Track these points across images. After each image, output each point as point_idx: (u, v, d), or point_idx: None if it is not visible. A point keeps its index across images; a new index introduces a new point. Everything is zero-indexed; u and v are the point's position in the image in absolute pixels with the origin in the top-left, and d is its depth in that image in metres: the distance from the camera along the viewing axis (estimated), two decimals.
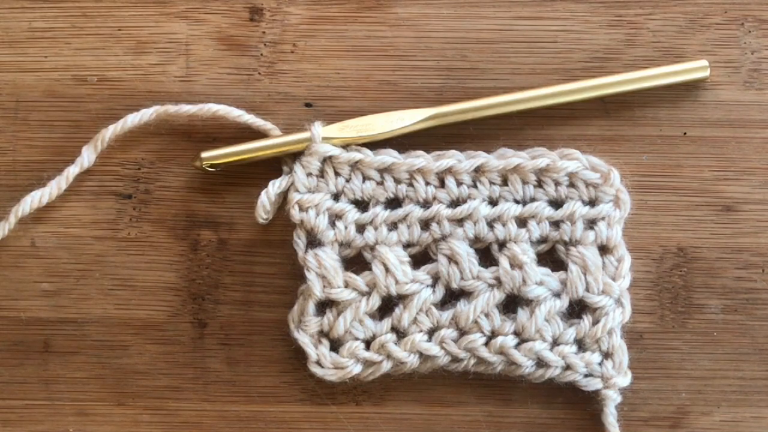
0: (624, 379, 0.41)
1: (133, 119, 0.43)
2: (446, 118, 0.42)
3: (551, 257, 0.42)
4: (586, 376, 0.41)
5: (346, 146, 0.42)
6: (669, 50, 0.44)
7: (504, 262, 0.41)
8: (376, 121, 0.42)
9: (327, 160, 0.42)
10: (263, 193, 0.42)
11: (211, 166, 0.43)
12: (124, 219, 0.44)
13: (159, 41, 0.45)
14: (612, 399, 0.41)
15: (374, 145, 0.43)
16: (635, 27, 0.44)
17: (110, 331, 0.44)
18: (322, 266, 0.41)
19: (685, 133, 0.44)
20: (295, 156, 0.43)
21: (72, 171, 0.43)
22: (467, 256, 0.42)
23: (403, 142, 0.43)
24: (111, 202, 0.44)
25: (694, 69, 0.43)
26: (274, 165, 0.43)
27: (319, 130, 0.42)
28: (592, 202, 0.42)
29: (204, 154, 0.42)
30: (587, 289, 0.41)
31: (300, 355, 0.43)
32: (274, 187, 0.42)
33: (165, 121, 0.44)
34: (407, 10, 0.44)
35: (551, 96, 0.42)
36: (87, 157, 0.43)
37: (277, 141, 0.43)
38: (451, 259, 0.42)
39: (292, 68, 0.44)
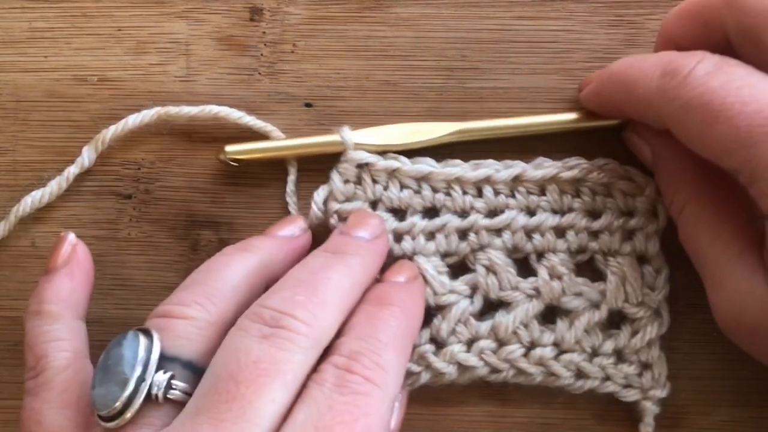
0: (662, 391, 0.41)
1: (134, 120, 0.43)
2: (472, 134, 0.42)
3: (589, 267, 0.42)
4: (624, 387, 0.41)
5: (382, 153, 0.42)
6: None
7: (543, 272, 0.41)
8: (402, 132, 0.42)
9: (364, 167, 0.42)
10: (314, 204, 0.42)
11: (234, 160, 0.42)
12: (124, 219, 0.44)
13: (159, 41, 0.45)
14: (650, 411, 0.41)
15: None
16: (635, 27, 0.44)
17: (110, 331, 0.44)
18: None
19: None
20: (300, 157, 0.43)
21: (72, 171, 0.43)
22: (505, 266, 0.41)
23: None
24: (111, 202, 0.44)
25: None
26: (275, 165, 0.43)
27: (349, 135, 0.42)
28: (629, 213, 0.42)
29: (228, 148, 0.42)
30: (626, 300, 0.41)
31: None
32: (320, 197, 0.42)
33: (165, 121, 0.44)
34: (407, 10, 0.44)
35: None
36: (87, 157, 0.43)
37: (303, 142, 0.43)
38: (490, 270, 0.41)
39: (292, 68, 0.44)
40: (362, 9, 0.44)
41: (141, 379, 0.34)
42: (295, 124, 0.44)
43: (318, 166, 0.43)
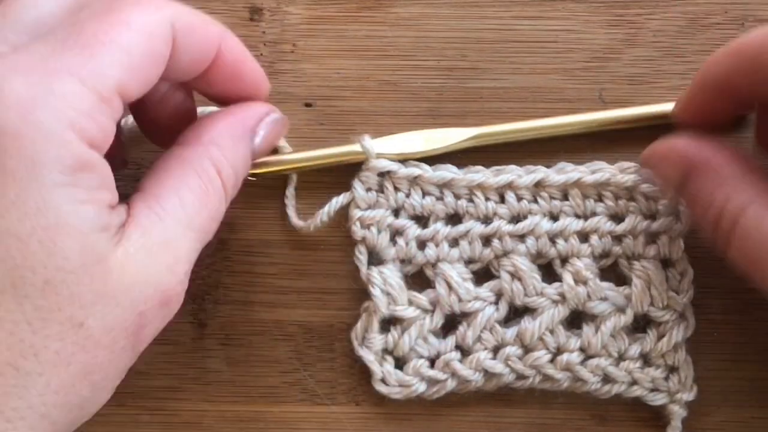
0: (690, 394, 0.41)
1: (134, 120, 0.43)
2: (489, 139, 0.42)
3: (613, 272, 0.42)
4: (651, 391, 0.41)
5: (402, 161, 0.42)
6: (669, 50, 0.44)
7: (568, 277, 0.41)
8: (419, 139, 0.42)
9: (385, 175, 0.42)
10: (324, 212, 0.42)
11: (252, 175, 0.42)
12: None
13: None
14: (678, 414, 0.41)
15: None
16: (635, 27, 0.44)
17: None
18: (388, 283, 0.41)
19: None
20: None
21: None
22: (530, 272, 0.41)
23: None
24: None
25: None
26: None
27: (370, 144, 0.42)
28: (652, 216, 0.42)
29: None
30: (651, 304, 0.41)
31: (300, 355, 0.43)
32: (337, 203, 0.42)
33: None
34: (407, 9, 0.44)
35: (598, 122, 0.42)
36: None
37: (322, 153, 0.42)
38: (514, 276, 0.41)
39: (292, 68, 0.44)
40: (362, 9, 0.44)
41: None
42: (295, 124, 0.44)
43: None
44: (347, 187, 0.43)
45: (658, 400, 0.41)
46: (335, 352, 0.43)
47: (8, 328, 0.29)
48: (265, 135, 0.39)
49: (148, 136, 0.41)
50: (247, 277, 0.44)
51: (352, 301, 0.43)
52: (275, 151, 0.43)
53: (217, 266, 0.44)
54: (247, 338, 0.44)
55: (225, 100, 0.39)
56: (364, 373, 0.43)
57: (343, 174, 0.43)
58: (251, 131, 0.38)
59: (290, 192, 0.43)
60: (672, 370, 0.41)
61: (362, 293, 0.43)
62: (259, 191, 0.44)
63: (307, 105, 0.44)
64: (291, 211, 0.43)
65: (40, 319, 0.29)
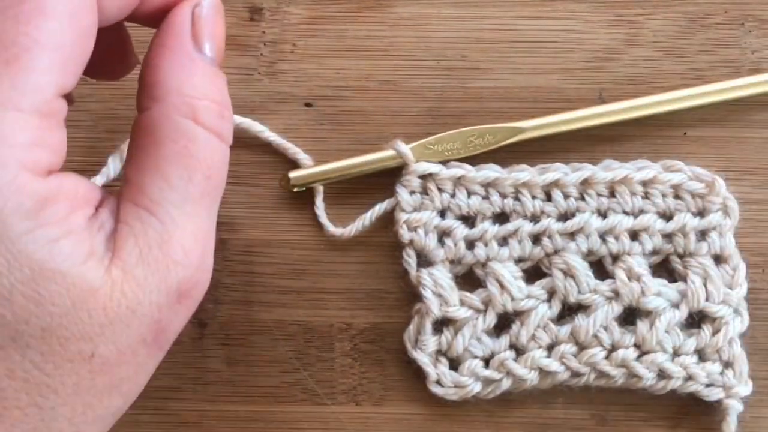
0: (745, 388, 0.41)
1: None
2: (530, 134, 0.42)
3: (665, 268, 0.42)
4: (707, 386, 0.41)
5: (444, 162, 0.42)
6: (669, 50, 0.44)
7: (621, 274, 0.41)
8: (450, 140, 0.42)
9: (428, 177, 0.42)
10: (366, 216, 0.42)
11: (294, 186, 0.42)
12: None
13: None
14: (734, 409, 0.41)
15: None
16: (635, 27, 0.44)
17: None
18: (438, 285, 0.41)
19: (685, 133, 0.44)
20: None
21: (98, 181, 0.42)
22: (583, 269, 0.41)
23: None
24: None
25: None
26: (274, 165, 0.43)
27: (405, 148, 0.42)
28: (701, 213, 0.42)
29: (292, 175, 0.42)
30: (707, 299, 0.41)
31: (300, 355, 0.43)
32: (380, 209, 0.42)
33: None
34: (407, 9, 0.44)
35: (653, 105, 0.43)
36: (113, 167, 0.42)
37: (362, 160, 0.42)
38: (567, 273, 0.41)
39: (292, 68, 0.44)
40: (362, 9, 0.45)
41: None
42: (295, 124, 0.44)
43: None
44: (346, 190, 0.43)
45: (714, 395, 0.41)
46: (335, 352, 0.44)
47: (21, 377, 0.28)
48: (210, 37, 0.32)
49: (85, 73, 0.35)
50: (247, 277, 0.44)
51: (353, 301, 0.43)
52: (297, 165, 0.43)
53: (217, 266, 0.44)
54: (247, 338, 0.44)
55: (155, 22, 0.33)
56: (364, 373, 0.43)
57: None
58: (195, 47, 0.32)
59: (320, 203, 0.43)
60: (727, 365, 0.41)
61: (362, 293, 0.43)
62: (260, 191, 0.44)
63: (307, 105, 0.44)
64: (324, 221, 0.43)
65: (49, 362, 0.28)
